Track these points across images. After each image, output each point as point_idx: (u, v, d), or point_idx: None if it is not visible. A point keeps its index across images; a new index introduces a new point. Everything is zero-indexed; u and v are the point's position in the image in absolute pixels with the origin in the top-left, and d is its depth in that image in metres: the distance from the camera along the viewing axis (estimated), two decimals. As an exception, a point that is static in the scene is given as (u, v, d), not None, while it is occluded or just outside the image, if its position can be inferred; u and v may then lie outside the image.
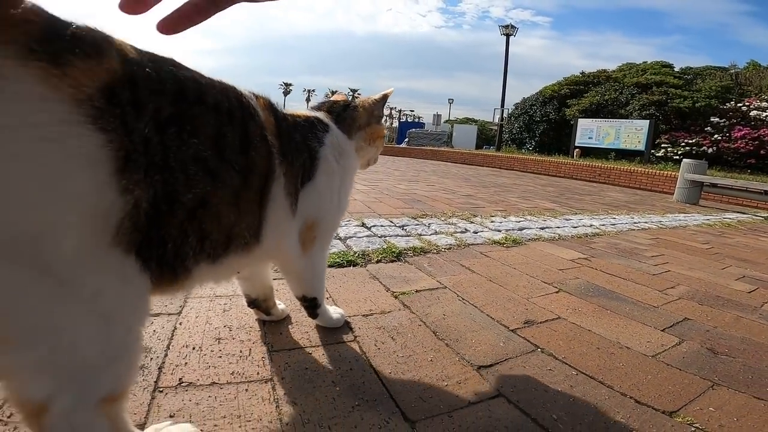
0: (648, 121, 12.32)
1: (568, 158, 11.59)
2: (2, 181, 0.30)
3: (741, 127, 11.51)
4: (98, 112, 0.34)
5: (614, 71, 17.10)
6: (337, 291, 1.13)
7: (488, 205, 3.25)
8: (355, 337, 0.89)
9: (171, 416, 0.60)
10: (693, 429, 0.66)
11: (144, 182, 0.38)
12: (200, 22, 0.37)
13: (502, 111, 18.53)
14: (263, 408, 0.63)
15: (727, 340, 1.04)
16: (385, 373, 0.76)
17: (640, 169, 8.36)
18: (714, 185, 5.62)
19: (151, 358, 0.73)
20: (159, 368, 0.71)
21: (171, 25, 0.36)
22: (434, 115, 27.43)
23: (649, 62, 16.53)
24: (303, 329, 0.89)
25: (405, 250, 1.59)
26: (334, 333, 0.89)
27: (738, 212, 5.01)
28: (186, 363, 0.73)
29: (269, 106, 0.61)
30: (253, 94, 0.59)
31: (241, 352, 0.79)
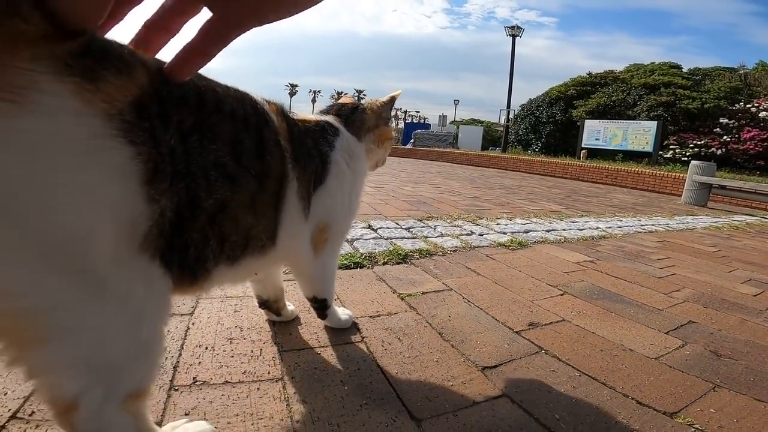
0: (656, 122, 12.22)
1: (574, 160, 11.54)
2: (45, 190, 0.32)
3: (750, 129, 11.39)
4: (129, 125, 0.36)
5: (621, 72, 16.99)
6: (345, 292, 1.16)
7: (494, 207, 3.26)
8: (363, 337, 0.91)
9: (186, 414, 0.62)
10: (693, 430, 0.68)
11: (169, 191, 0.40)
12: (205, 63, 0.38)
13: (508, 112, 18.50)
14: (274, 406, 0.65)
15: (730, 343, 1.05)
16: (391, 373, 0.78)
17: (647, 170, 8.31)
18: (723, 187, 5.57)
19: (166, 358, 0.76)
20: (174, 367, 0.73)
21: (177, 70, 0.38)
22: (440, 116, 27.40)
23: (656, 63, 16.42)
24: (312, 330, 0.92)
25: (411, 252, 1.61)
26: (342, 334, 0.91)
27: (747, 214, 4.97)
28: (199, 362, 0.76)
29: (281, 112, 0.63)
30: (266, 100, 0.61)
31: (252, 351, 0.81)
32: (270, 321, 0.94)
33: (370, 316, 1.02)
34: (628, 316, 1.17)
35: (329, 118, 0.81)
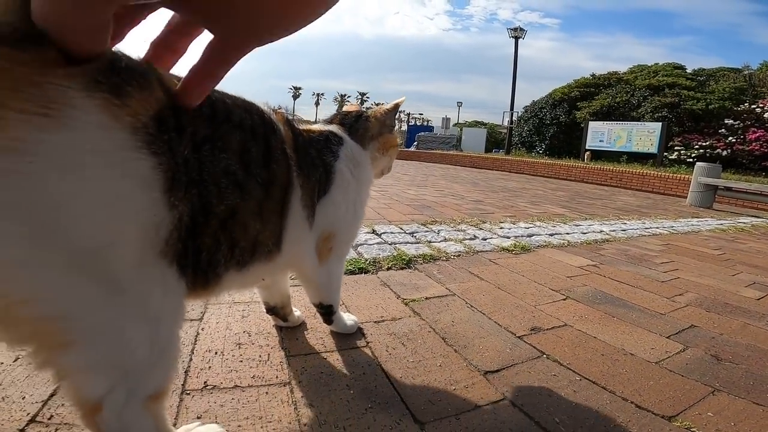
0: (660, 123, 12.18)
1: (578, 161, 11.53)
2: (77, 200, 0.34)
3: (755, 129, 11.33)
4: (151, 138, 0.38)
5: (625, 73, 16.97)
6: (350, 298, 1.18)
7: (497, 211, 3.27)
8: (368, 342, 0.93)
9: (198, 417, 0.65)
10: (692, 433, 0.69)
11: (185, 198, 0.43)
12: (215, 84, 0.38)
13: (512, 114, 18.48)
14: (283, 410, 0.68)
15: (732, 347, 1.06)
16: (396, 377, 0.80)
17: (652, 172, 8.28)
18: (728, 189, 5.55)
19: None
20: (185, 372, 0.76)
21: (188, 96, 0.39)
22: (443, 118, 27.44)
23: (660, 64, 16.38)
24: (318, 335, 0.94)
25: (415, 257, 1.63)
26: (347, 339, 0.94)
27: (752, 216, 4.95)
28: (210, 367, 0.78)
29: (287, 121, 0.65)
30: (273, 109, 0.63)
31: (260, 356, 0.83)
32: (277, 326, 0.96)
33: (375, 322, 1.04)
34: (630, 321, 1.19)
35: (333, 128, 0.82)
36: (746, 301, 1.49)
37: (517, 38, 19.01)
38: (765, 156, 10.89)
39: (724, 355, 1.01)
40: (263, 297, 0.93)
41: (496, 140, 24.97)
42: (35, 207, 0.32)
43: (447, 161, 13.95)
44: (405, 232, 2.09)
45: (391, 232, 2.05)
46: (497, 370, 0.85)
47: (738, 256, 2.37)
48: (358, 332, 0.97)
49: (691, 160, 11.09)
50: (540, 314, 1.18)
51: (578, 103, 16.01)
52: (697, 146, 11.97)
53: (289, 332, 0.94)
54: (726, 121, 11.97)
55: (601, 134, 13.41)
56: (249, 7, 0.27)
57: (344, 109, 0.94)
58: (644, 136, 12.36)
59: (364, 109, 0.91)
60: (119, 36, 0.36)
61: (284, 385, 0.74)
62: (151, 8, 0.33)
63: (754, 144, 11.10)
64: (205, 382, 0.73)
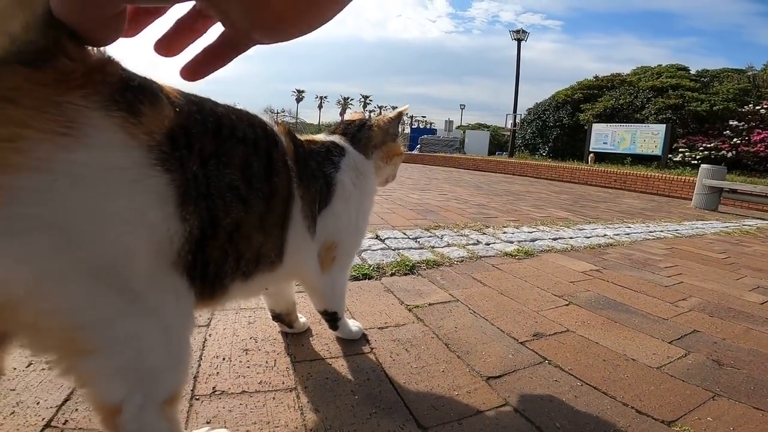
0: (664, 125, 12.15)
1: (582, 164, 11.50)
2: (98, 216, 0.36)
3: (760, 131, 11.26)
4: (165, 155, 0.41)
5: (628, 75, 16.94)
6: (354, 304, 1.20)
7: (501, 215, 3.28)
8: (372, 348, 0.95)
9: (208, 422, 0.67)
10: (691, 438, 0.70)
11: (195, 212, 0.45)
12: (221, 66, 0.38)
13: (515, 116, 18.50)
14: (289, 415, 0.69)
15: (734, 352, 1.07)
16: (399, 382, 0.82)
17: (657, 174, 8.26)
18: (733, 191, 5.53)
19: (187, 368, 0.81)
20: (194, 377, 0.78)
21: (191, 71, 0.38)
22: (446, 121, 27.45)
23: (664, 65, 16.35)
24: (323, 341, 0.96)
25: (418, 263, 1.64)
26: (352, 345, 0.95)
27: (758, 218, 4.92)
28: (218, 373, 0.80)
29: (289, 132, 0.67)
30: (275, 121, 0.65)
31: (266, 362, 0.85)
32: (283, 332, 0.98)
33: (379, 328, 1.05)
34: (633, 326, 1.19)
35: (335, 138, 0.83)
36: (750, 305, 1.49)
37: (519, 40, 19.07)
38: (770, 157, 10.82)
39: (725, 360, 1.02)
40: (269, 304, 0.95)
41: (499, 143, 24.98)
42: (60, 223, 0.34)
43: (450, 164, 13.96)
44: (408, 238, 2.10)
45: (395, 238, 2.07)
46: (499, 376, 0.87)
47: (743, 259, 2.37)
48: (363, 338, 0.99)
49: (695, 161, 11.03)
50: (542, 320, 1.19)
51: (581, 105, 16.00)
52: (701, 148, 11.91)
53: (295, 338, 0.96)
54: (730, 123, 11.91)
55: (604, 136, 13.38)
56: (261, 9, 0.28)
57: (347, 117, 0.95)
58: (648, 138, 12.33)
59: (368, 118, 0.92)
60: (136, 29, 0.35)
61: (290, 391, 0.76)
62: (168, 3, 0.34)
63: (759, 145, 11.03)
64: (213, 388, 0.75)
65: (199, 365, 0.82)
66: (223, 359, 0.85)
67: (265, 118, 0.62)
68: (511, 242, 2.19)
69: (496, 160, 13.35)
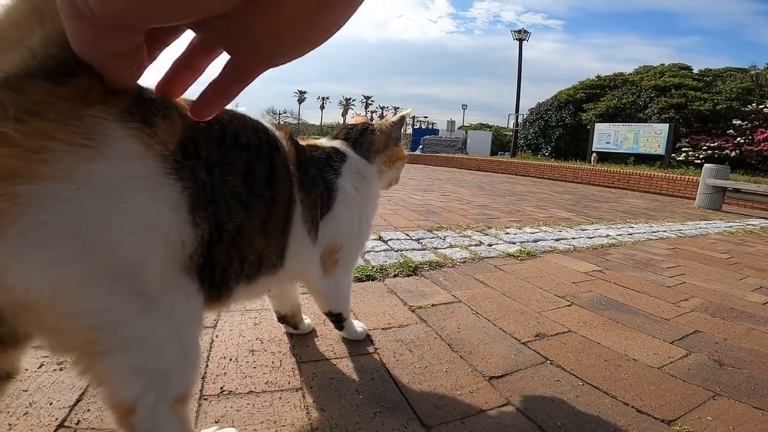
0: (667, 124, 12.12)
1: (585, 164, 11.48)
2: (118, 221, 0.38)
3: (764, 130, 11.21)
4: (178, 165, 0.43)
5: (631, 74, 16.90)
6: (358, 305, 1.21)
7: (503, 216, 3.29)
8: (376, 349, 0.96)
9: (216, 422, 0.68)
10: (691, 437, 0.71)
11: (204, 217, 0.47)
12: (227, 103, 0.38)
13: (517, 116, 18.49)
14: (295, 414, 0.71)
15: (735, 352, 1.07)
16: (403, 382, 0.83)
17: (660, 174, 8.24)
18: (737, 190, 5.51)
19: (195, 369, 0.82)
20: (202, 378, 0.79)
21: (198, 111, 0.38)
22: (448, 121, 27.47)
23: (666, 64, 16.30)
24: (328, 342, 0.97)
25: (421, 264, 1.66)
26: (356, 345, 0.97)
27: (762, 218, 4.90)
28: (225, 373, 0.82)
29: (291, 137, 0.69)
30: (278, 126, 0.67)
31: (273, 363, 0.87)
32: (288, 333, 1.00)
33: (382, 328, 1.07)
34: (634, 327, 1.20)
35: (337, 143, 0.84)
36: (752, 305, 1.50)
37: (521, 40, 19.06)
38: (774, 156, 10.78)
39: (726, 360, 1.03)
40: (274, 306, 0.97)
41: (501, 143, 24.95)
42: (83, 230, 0.36)
43: (452, 164, 13.97)
44: (411, 239, 2.12)
45: (398, 239, 2.08)
46: (501, 376, 0.88)
47: (746, 259, 2.37)
48: (367, 339, 1.00)
49: (699, 161, 10.99)
50: (544, 320, 1.20)
51: (584, 105, 15.96)
52: (705, 147, 11.86)
53: (300, 339, 0.98)
54: (734, 122, 11.86)
55: (607, 136, 13.36)
56: (269, 37, 0.30)
57: (350, 121, 0.96)
58: (651, 137, 12.30)
59: (370, 122, 0.93)
60: (150, 58, 0.37)
61: (296, 391, 0.78)
62: (179, 30, 0.34)
63: (762, 144, 10.98)
64: (221, 388, 0.77)
65: (207, 366, 0.84)
66: (230, 360, 0.87)
67: (267, 123, 0.64)
68: (514, 243, 2.20)
69: (498, 160, 13.35)
